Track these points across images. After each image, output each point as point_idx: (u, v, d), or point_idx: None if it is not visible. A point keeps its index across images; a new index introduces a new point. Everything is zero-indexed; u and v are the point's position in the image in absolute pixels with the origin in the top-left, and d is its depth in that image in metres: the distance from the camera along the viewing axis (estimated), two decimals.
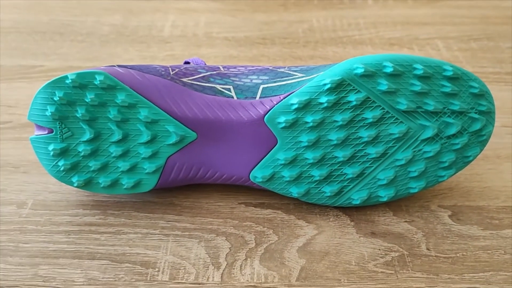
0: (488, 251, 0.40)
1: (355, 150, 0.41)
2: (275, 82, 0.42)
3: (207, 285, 0.38)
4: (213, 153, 0.42)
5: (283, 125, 0.41)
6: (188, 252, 0.40)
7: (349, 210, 0.44)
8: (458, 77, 0.41)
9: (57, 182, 0.46)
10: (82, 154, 0.41)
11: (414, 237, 0.41)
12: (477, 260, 0.40)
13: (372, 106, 0.40)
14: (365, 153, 0.41)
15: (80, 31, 0.72)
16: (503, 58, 0.67)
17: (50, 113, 0.40)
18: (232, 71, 0.44)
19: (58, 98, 0.40)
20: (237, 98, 0.42)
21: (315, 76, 0.41)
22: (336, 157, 0.41)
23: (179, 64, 0.45)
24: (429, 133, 0.41)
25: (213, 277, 0.38)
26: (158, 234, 0.41)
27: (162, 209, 0.44)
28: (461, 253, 0.40)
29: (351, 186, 0.42)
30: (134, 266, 0.39)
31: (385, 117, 0.41)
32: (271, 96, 0.42)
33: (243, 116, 0.41)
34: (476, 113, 0.41)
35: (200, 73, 0.43)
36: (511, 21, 0.76)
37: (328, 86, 0.40)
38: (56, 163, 0.42)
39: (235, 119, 0.41)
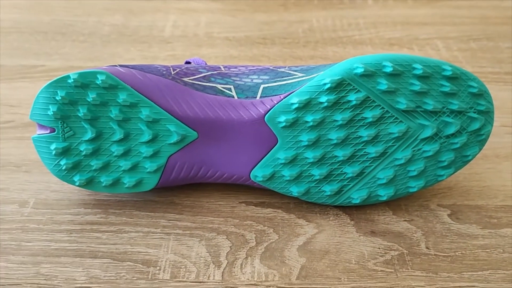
0: (487, 250, 0.40)
1: (355, 149, 0.42)
2: (275, 81, 0.43)
3: (208, 283, 0.38)
4: (214, 153, 0.42)
5: (284, 124, 0.41)
6: (189, 250, 0.40)
7: (349, 209, 0.44)
8: (457, 77, 0.41)
9: (59, 181, 0.46)
10: (83, 153, 0.42)
11: (414, 236, 0.42)
12: (476, 259, 0.40)
13: (372, 106, 0.41)
14: (365, 152, 0.42)
15: (81, 31, 0.72)
16: (502, 58, 0.67)
17: (52, 113, 0.41)
18: (233, 70, 0.44)
19: (60, 98, 0.40)
20: (238, 97, 0.42)
21: (315, 75, 0.42)
22: (336, 156, 0.42)
23: (180, 64, 0.46)
24: (428, 133, 0.41)
25: (214, 276, 0.38)
26: (159, 233, 0.42)
27: (163, 208, 0.44)
28: (460, 252, 0.40)
29: (351, 185, 0.42)
30: (136, 264, 0.39)
31: (385, 117, 0.41)
32: (272, 96, 0.42)
33: (243, 116, 0.41)
34: (475, 112, 0.42)
35: (201, 72, 0.44)
36: (511, 21, 0.76)
37: (328, 85, 0.40)
38: (58, 162, 0.42)
39: (236, 119, 0.41)
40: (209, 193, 0.46)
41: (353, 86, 0.40)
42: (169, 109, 0.41)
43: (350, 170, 0.42)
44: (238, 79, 0.43)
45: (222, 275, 0.38)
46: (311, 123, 0.41)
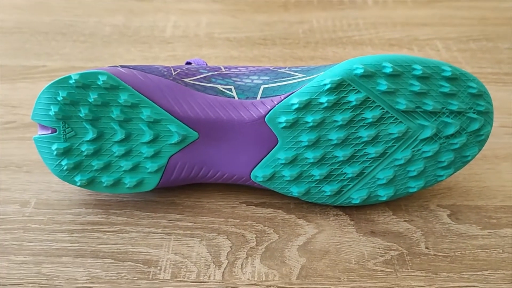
0: (486, 250, 0.41)
1: (355, 149, 0.42)
2: (275, 82, 0.43)
3: (209, 283, 0.38)
4: (214, 153, 0.43)
5: (284, 125, 0.41)
6: (190, 250, 0.40)
7: (349, 209, 0.44)
8: (456, 78, 0.41)
9: (60, 182, 0.46)
10: (85, 153, 0.42)
11: (413, 236, 0.42)
12: (475, 259, 0.40)
13: (372, 106, 0.41)
14: (364, 152, 0.42)
15: (82, 31, 0.72)
16: (501, 59, 0.67)
17: (53, 113, 0.41)
18: (233, 71, 0.44)
19: (61, 98, 0.41)
20: (238, 98, 0.42)
21: (315, 76, 0.42)
22: (336, 156, 0.42)
23: (181, 65, 0.46)
24: (428, 133, 0.41)
25: (214, 276, 0.38)
26: (160, 233, 0.42)
27: (164, 208, 0.44)
28: (459, 252, 0.40)
29: (351, 186, 0.43)
30: (137, 264, 0.39)
31: (385, 117, 0.41)
32: (272, 96, 0.42)
33: (244, 116, 0.42)
34: (474, 113, 0.42)
35: (202, 73, 0.44)
36: (510, 22, 0.77)
37: (328, 86, 0.40)
38: (59, 162, 0.42)
39: (237, 119, 0.42)
40: (210, 194, 0.46)
41: (353, 87, 0.41)
42: (170, 109, 0.41)
43: (350, 171, 0.42)
44: (238, 79, 0.43)
45: (223, 275, 0.39)
46: (311, 124, 0.41)
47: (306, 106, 0.41)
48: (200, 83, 0.43)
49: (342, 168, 0.42)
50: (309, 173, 0.42)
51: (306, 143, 0.41)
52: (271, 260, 0.40)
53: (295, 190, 0.43)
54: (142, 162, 0.42)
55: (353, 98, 0.41)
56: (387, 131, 0.41)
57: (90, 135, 0.41)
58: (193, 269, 0.39)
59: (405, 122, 0.41)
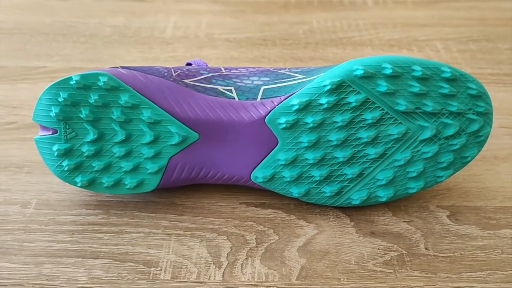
0: (486, 251, 0.41)
1: (355, 150, 0.42)
2: (276, 83, 0.43)
3: (209, 284, 0.38)
4: (214, 154, 0.43)
5: (284, 125, 0.41)
6: (190, 251, 0.41)
7: (349, 210, 0.44)
8: (456, 79, 0.41)
9: (61, 182, 0.46)
10: (85, 154, 0.42)
11: (413, 237, 0.42)
12: (474, 260, 0.40)
13: (372, 107, 0.41)
14: (364, 153, 0.42)
15: (82, 32, 0.72)
16: (501, 60, 0.67)
17: (54, 114, 0.41)
18: (234, 72, 0.45)
19: (62, 99, 0.41)
20: (239, 99, 0.42)
21: (315, 77, 0.42)
22: (336, 157, 0.42)
23: (181, 66, 0.46)
24: (427, 134, 0.42)
25: (214, 276, 0.39)
26: (161, 234, 0.42)
27: (164, 209, 0.44)
28: (459, 253, 0.41)
29: (350, 186, 0.43)
30: (137, 265, 0.39)
31: (384, 118, 0.41)
32: (272, 97, 0.42)
33: (244, 117, 0.42)
34: (473, 114, 0.42)
35: (202, 74, 0.44)
36: (510, 22, 0.77)
37: (328, 87, 0.40)
38: (60, 163, 0.42)
39: (237, 120, 0.42)
40: (210, 194, 0.46)
41: (353, 88, 0.41)
42: (170, 110, 0.42)
43: (350, 171, 0.42)
44: (239, 80, 0.44)
45: (223, 275, 0.39)
46: (311, 125, 0.41)
47: (306, 107, 0.41)
48: (201, 84, 0.43)
49: (342, 169, 0.42)
50: (309, 174, 0.42)
51: (306, 144, 0.41)
52: (271, 261, 0.40)
53: (295, 191, 0.43)
54: (142, 163, 0.42)
55: (353, 99, 0.41)
56: (386, 132, 0.41)
57: (91, 136, 0.42)
58: (193, 269, 0.39)
59: (404, 123, 0.41)
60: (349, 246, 0.41)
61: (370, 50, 0.69)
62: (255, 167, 0.43)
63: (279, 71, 0.44)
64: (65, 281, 0.38)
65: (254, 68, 0.45)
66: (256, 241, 0.41)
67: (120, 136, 0.42)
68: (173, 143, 0.42)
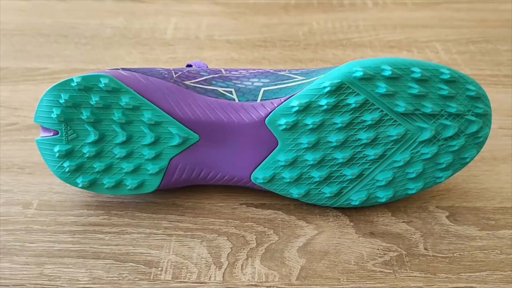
0: (485, 251, 0.41)
1: (354, 151, 0.42)
2: (276, 85, 0.43)
3: (209, 284, 0.38)
4: (215, 155, 0.43)
5: (284, 127, 0.41)
6: (191, 251, 0.41)
7: (348, 210, 0.44)
8: (455, 80, 0.41)
9: (62, 183, 0.46)
10: (86, 155, 0.42)
11: (412, 237, 0.42)
12: (474, 260, 0.40)
13: (371, 109, 0.41)
14: (364, 154, 0.42)
15: (83, 33, 0.73)
16: (501, 61, 0.67)
17: (55, 115, 0.41)
18: (234, 74, 0.45)
19: (63, 101, 0.41)
20: (239, 100, 0.43)
21: (315, 79, 0.42)
22: (335, 158, 0.42)
23: (182, 67, 0.46)
24: (426, 135, 0.42)
25: (215, 277, 0.39)
26: (161, 234, 0.42)
27: (165, 210, 0.44)
28: (458, 253, 0.41)
29: (350, 187, 0.43)
30: (138, 265, 0.39)
31: (384, 119, 0.41)
32: (272, 99, 0.42)
33: (244, 118, 0.42)
34: (472, 115, 0.42)
35: (203, 76, 0.44)
36: (510, 24, 0.77)
37: (328, 89, 0.41)
38: (61, 164, 0.42)
39: (237, 121, 0.42)
40: (210, 195, 0.46)
41: (353, 90, 0.41)
42: (171, 111, 0.42)
43: (350, 172, 0.42)
44: (239, 82, 0.44)
45: (223, 275, 0.39)
46: (311, 126, 0.41)
47: (306, 109, 0.41)
48: (201, 86, 0.43)
49: (341, 170, 0.42)
50: (309, 175, 0.42)
51: (306, 145, 0.42)
52: (271, 261, 0.40)
53: (295, 192, 0.43)
54: (143, 164, 0.43)
55: (353, 100, 0.41)
56: (386, 133, 0.42)
57: (92, 137, 0.42)
58: (194, 270, 0.39)
59: (404, 125, 0.42)
60: (348, 247, 0.41)
61: (370, 51, 0.70)
62: (255, 168, 0.43)
63: (279, 72, 0.45)
64: (67, 281, 0.38)
65: (254, 69, 0.46)
66: (256, 242, 0.42)
67: (121, 138, 0.42)
68: (174, 144, 0.42)
